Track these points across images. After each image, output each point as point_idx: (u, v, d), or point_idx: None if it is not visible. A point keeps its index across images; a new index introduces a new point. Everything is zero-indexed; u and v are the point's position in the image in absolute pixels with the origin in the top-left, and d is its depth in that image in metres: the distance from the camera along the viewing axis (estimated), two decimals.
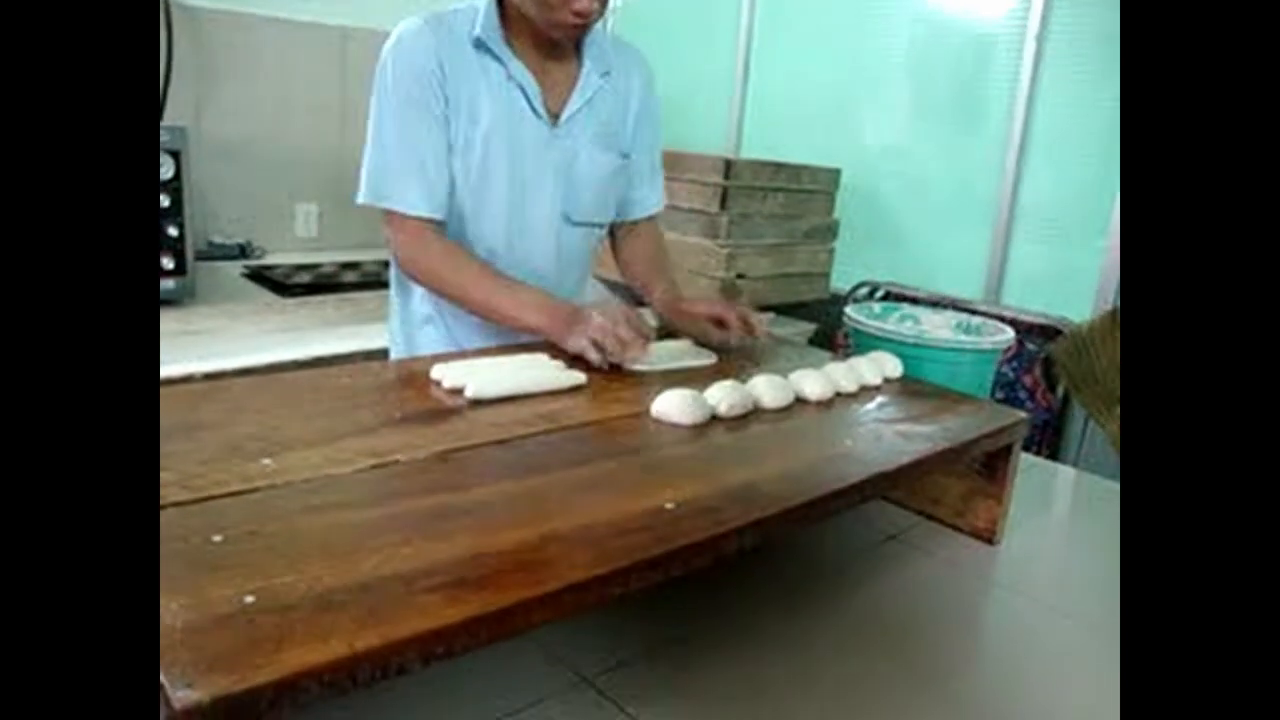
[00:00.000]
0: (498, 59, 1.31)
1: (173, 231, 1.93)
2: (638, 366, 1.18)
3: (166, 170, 1.91)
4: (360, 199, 1.31)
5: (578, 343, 1.18)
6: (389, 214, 1.30)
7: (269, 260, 2.61)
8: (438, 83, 1.27)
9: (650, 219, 1.57)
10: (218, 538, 0.64)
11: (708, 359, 1.26)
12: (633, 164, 1.50)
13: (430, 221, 1.30)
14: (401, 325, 1.47)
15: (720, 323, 1.33)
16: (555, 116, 1.37)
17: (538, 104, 1.34)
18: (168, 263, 1.93)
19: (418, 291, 1.42)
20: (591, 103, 1.40)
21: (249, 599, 0.57)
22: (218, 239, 2.59)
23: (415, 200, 1.29)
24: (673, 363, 1.22)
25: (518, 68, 1.32)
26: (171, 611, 0.54)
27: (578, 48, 1.39)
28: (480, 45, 1.30)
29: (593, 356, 1.17)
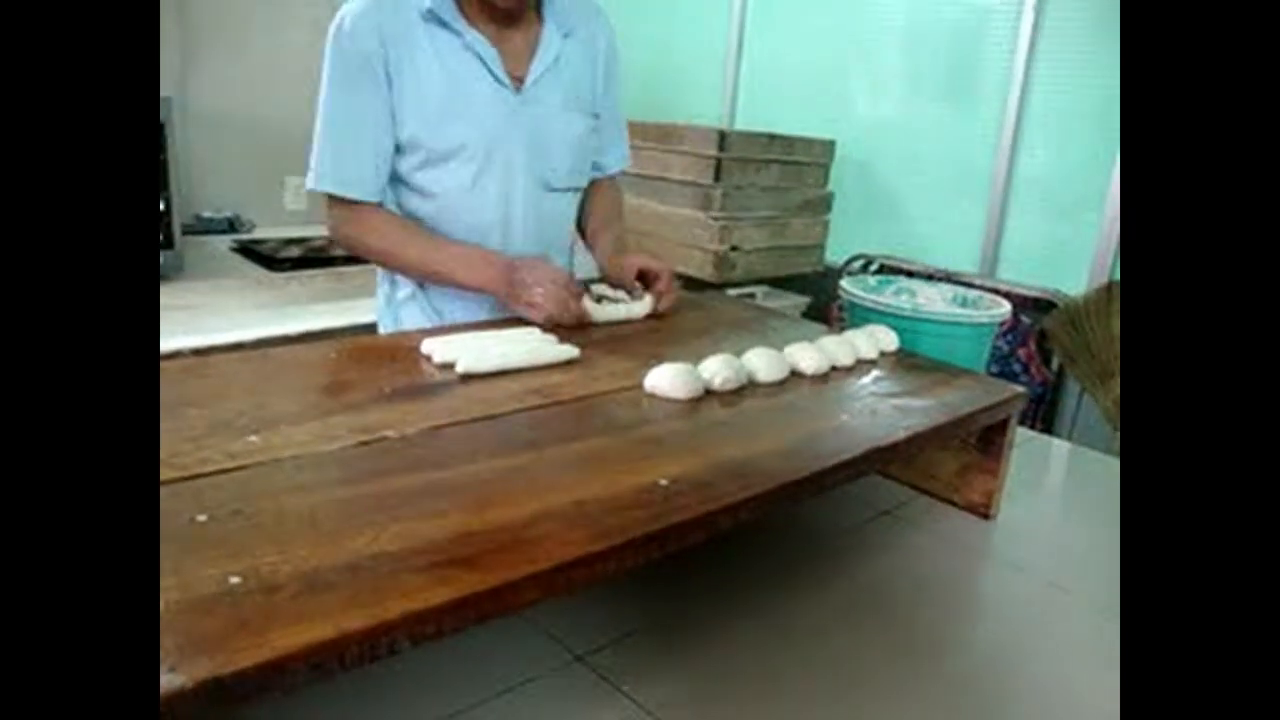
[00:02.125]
0: (451, 29, 1.27)
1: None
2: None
3: None
4: (312, 186, 1.30)
5: (516, 308, 1.22)
6: (329, 195, 1.30)
7: (258, 234, 2.58)
8: (380, 63, 1.25)
9: (611, 176, 1.57)
10: (203, 517, 0.63)
11: (641, 308, 1.31)
12: (601, 124, 1.48)
13: (371, 203, 1.31)
14: (387, 302, 1.45)
15: (644, 278, 1.36)
16: (520, 81, 1.33)
17: (499, 71, 1.31)
18: None
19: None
20: (557, 64, 1.36)
21: (234, 580, 0.56)
22: (206, 213, 2.56)
23: (361, 184, 1.29)
24: (612, 313, 1.28)
25: (473, 36, 1.29)
26: None
27: (539, 8, 1.36)
28: (431, 17, 1.26)
29: (536, 317, 1.20)
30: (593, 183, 1.54)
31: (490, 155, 1.32)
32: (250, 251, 2.34)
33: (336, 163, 1.28)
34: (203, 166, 2.55)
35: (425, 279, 1.36)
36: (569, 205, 1.48)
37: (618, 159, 1.56)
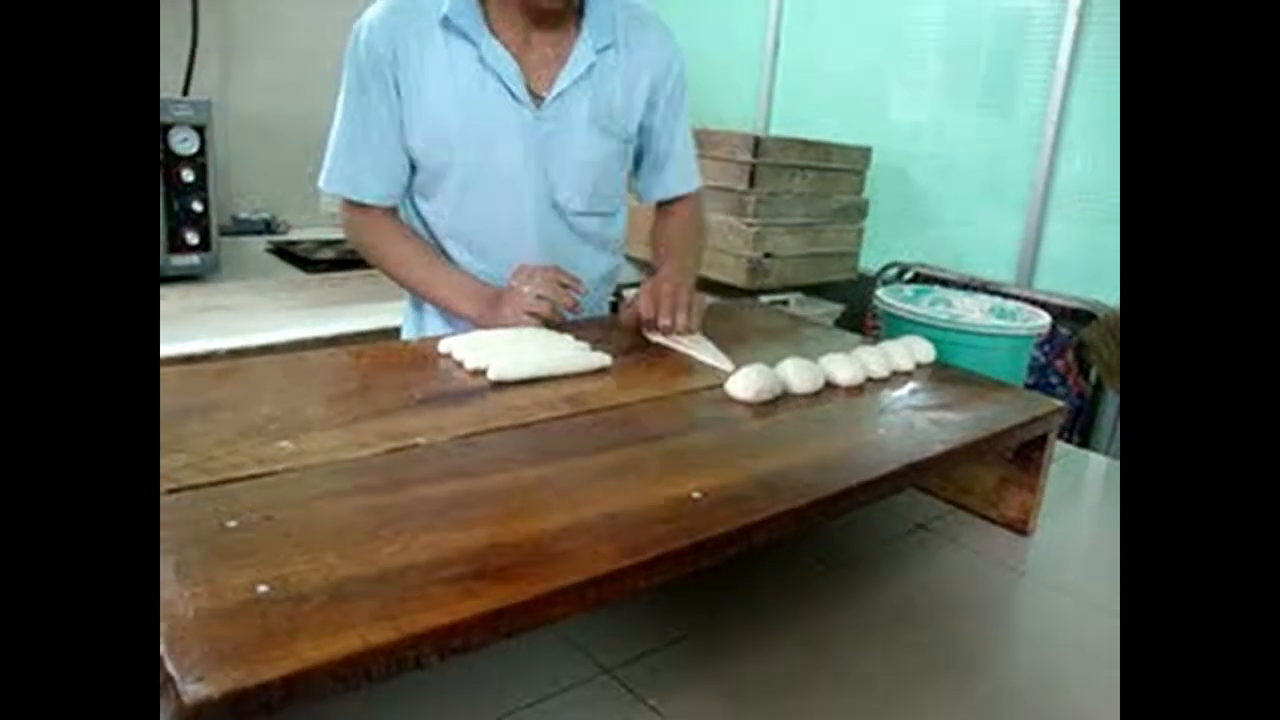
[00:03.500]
0: (469, 39, 1.23)
1: (197, 206, 1.92)
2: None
3: (191, 145, 1.90)
4: (322, 185, 1.32)
5: (516, 317, 1.19)
6: (344, 198, 1.32)
7: (294, 236, 2.60)
8: (390, 70, 1.23)
9: (687, 198, 1.47)
10: (232, 523, 0.63)
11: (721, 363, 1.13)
12: (650, 146, 1.40)
13: (382, 207, 1.32)
14: (412, 304, 1.45)
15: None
16: (541, 97, 1.28)
17: (516, 86, 1.25)
18: (192, 238, 1.93)
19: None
20: (586, 79, 1.29)
21: (262, 588, 0.55)
22: (243, 214, 2.58)
23: (370, 188, 1.29)
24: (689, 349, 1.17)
25: (492, 47, 1.24)
26: (184, 600, 0.53)
27: (580, 14, 1.29)
28: (448, 25, 1.23)
29: (537, 320, 1.19)
30: (661, 210, 1.46)
31: (498, 175, 1.29)
32: (285, 253, 2.35)
33: (344, 165, 1.29)
34: (241, 168, 2.58)
35: (423, 299, 1.38)
36: (600, 229, 1.42)
37: (676, 185, 1.45)
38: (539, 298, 1.20)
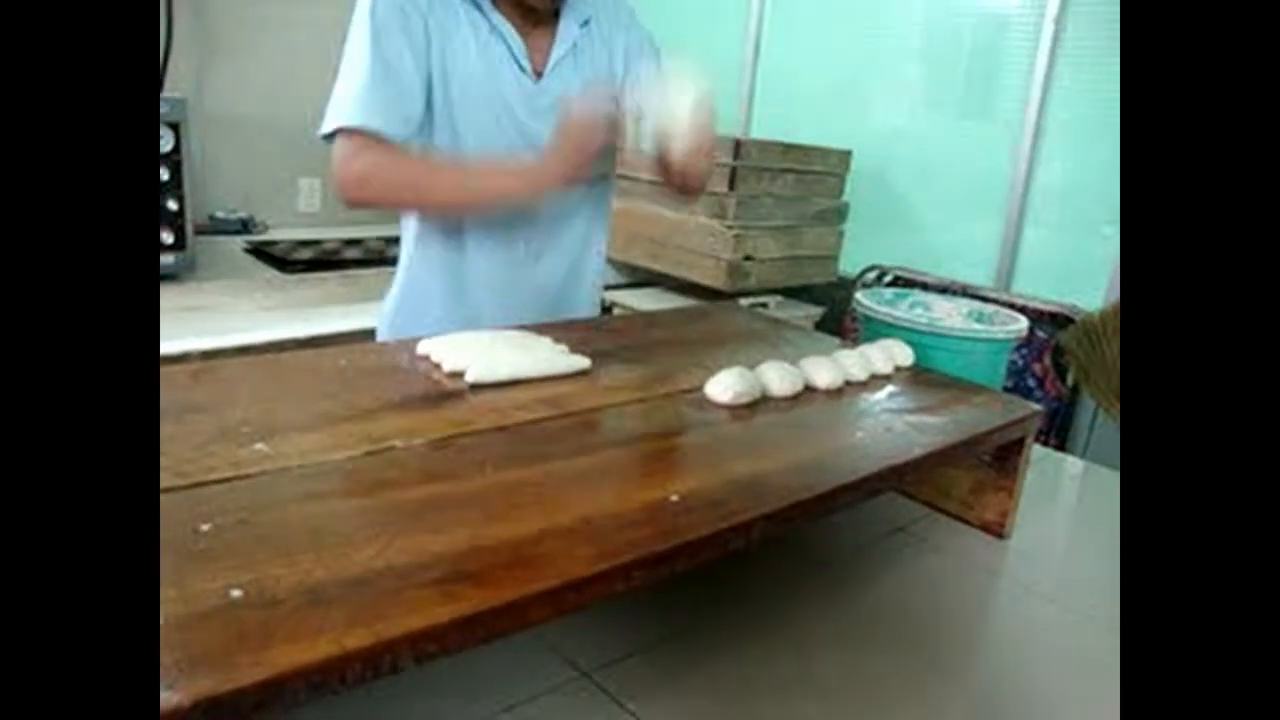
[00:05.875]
0: (481, 11, 1.30)
1: (172, 205, 1.91)
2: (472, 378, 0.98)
3: (166, 143, 1.89)
4: (340, 121, 1.21)
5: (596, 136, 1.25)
6: (340, 134, 1.22)
7: (271, 235, 2.58)
8: (421, 18, 1.25)
9: None
10: (206, 527, 0.62)
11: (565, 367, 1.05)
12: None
13: (388, 138, 1.23)
14: (393, 304, 1.44)
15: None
16: (538, 73, 1.36)
17: (521, 58, 1.33)
18: (167, 237, 1.91)
19: (428, 269, 1.38)
20: (574, 53, 1.38)
21: (236, 593, 0.54)
22: (219, 213, 2.56)
23: (376, 117, 1.21)
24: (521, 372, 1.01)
25: (500, 20, 1.31)
26: None
27: (556, 11, 1.38)
28: None
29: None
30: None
31: (507, 142, 1.32)
32: (262, 253, 2.34)
33: (366, 100, 1.21)
34: (217, 167, 2.55)
35: (459, 206, 1.32)
36: (599, 193, 1.47)
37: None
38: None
